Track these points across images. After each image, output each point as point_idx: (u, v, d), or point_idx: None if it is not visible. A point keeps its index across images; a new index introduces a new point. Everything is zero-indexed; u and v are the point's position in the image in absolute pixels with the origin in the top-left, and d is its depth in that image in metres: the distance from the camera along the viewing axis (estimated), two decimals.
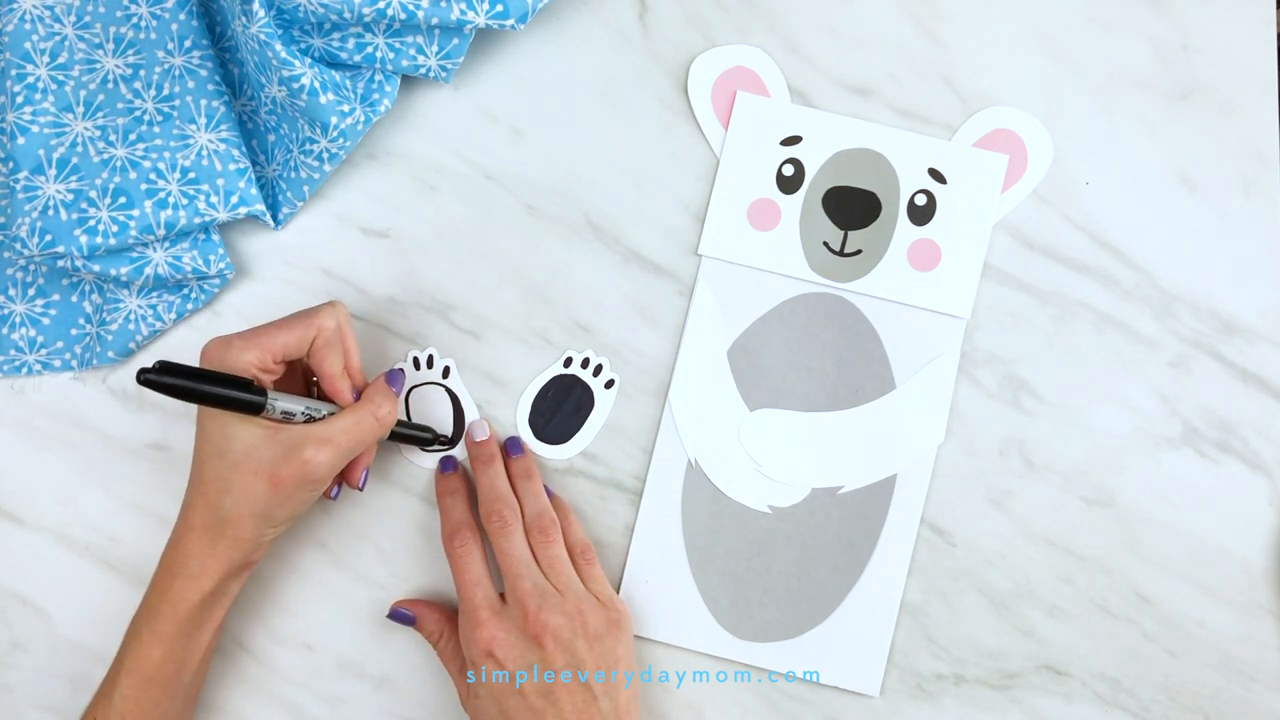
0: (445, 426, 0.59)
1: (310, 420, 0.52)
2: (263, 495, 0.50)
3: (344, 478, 0.55)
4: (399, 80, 0.57)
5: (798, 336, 0.59)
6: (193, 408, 0.54)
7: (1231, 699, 0.58)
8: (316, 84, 0.54)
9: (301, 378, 0.56)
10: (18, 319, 0.59)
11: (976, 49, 0.60)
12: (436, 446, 0.59)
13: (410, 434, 0.57)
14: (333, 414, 0.53)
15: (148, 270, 0.56)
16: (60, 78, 0.56)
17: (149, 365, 0.49)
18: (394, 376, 0.55)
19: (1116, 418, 0.59)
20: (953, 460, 0.59)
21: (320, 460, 0.50)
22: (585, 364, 0.59)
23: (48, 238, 0.55)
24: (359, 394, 0.54)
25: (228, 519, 0.51)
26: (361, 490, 0.55)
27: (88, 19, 0.56)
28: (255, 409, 0.50)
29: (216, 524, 0.51)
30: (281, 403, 0.51)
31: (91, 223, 0.55)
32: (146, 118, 0.56)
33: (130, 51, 0.57)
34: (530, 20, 0.56)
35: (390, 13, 0.53)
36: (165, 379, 0.48)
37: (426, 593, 0.59)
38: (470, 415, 0.59)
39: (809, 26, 0.60)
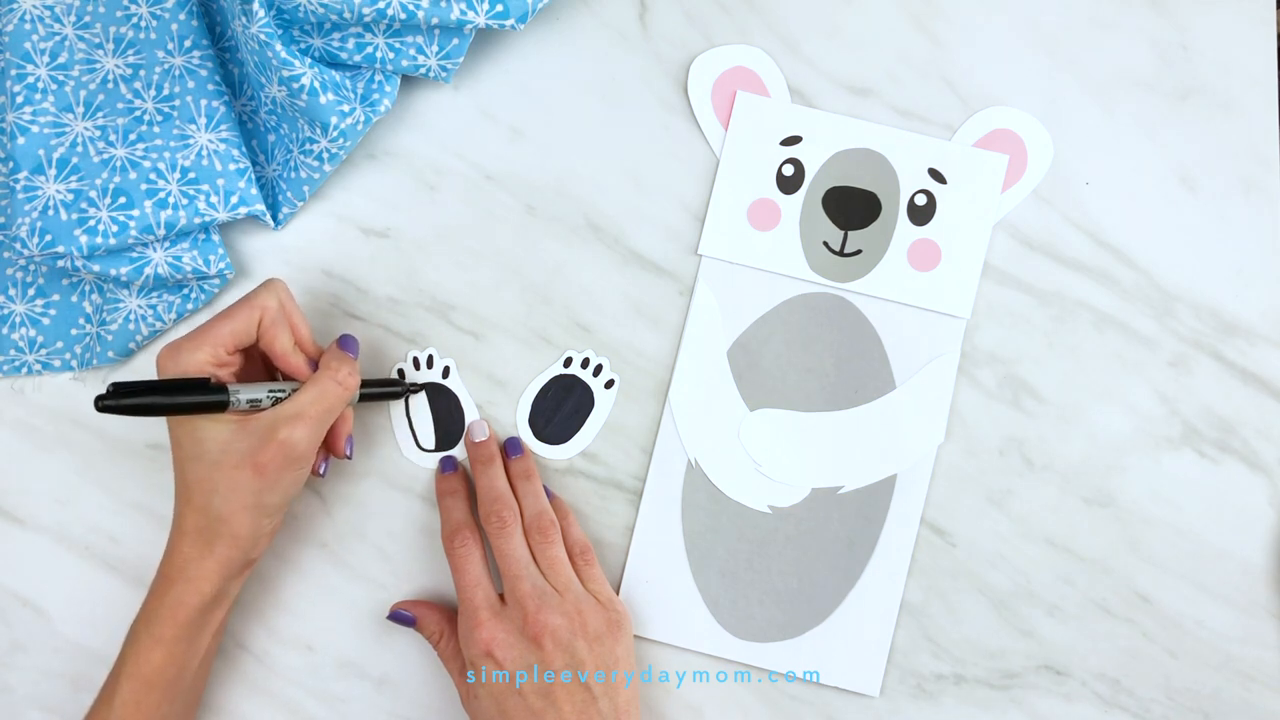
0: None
1: (278, 402, 0.52)
2: (250, 485, 0.50)
3: (329, 449, 0.55)
4: (399, 80, 0.57)
5: (798, 336, 0.59)
6: None
7: (1231, 699, 0.58)
8: (316, 84, 0.54)
9: (261, 364, 0.56)
10: (18, 319, 0.59)
11: (976, 49, 0.60)
12: (410, 396, 0.58)
13: (380, 391, 0.57)
14: (296, 390, 0.52)
15: (148, 270, 0.56)
16: (60, 78, 0.55)
17: (103, 392, 0.48)
18: (346, 341, 0.55)
19: (1116, 418, 0.59)
20: (953, 460, 0.59)
21: (298, 437, 0.50)
22: (585, 364, 0.59)
23: (48, 238, 0.54)
24: (316, 366, 0.53)
25: (220, 518, 0.50)
26: (350, 458, 0.55)
27: (88, 19, 0.56)
28: (220, 407, 0.50)
29: (210, 525, 0.51)
30: (245, 393, 0.51)
31: (91, 223, 0.55)
32: (146, 118, 0.56)
33: (130, 51, 0.57)
34: (530, 20, 0.56)
35: (390, 13, 0.53)
36: (123, 401, 0.48)
37: (426, 593, 0.59)
38: (470, 415, 0.59)
39: (809, 26, 0.60)
